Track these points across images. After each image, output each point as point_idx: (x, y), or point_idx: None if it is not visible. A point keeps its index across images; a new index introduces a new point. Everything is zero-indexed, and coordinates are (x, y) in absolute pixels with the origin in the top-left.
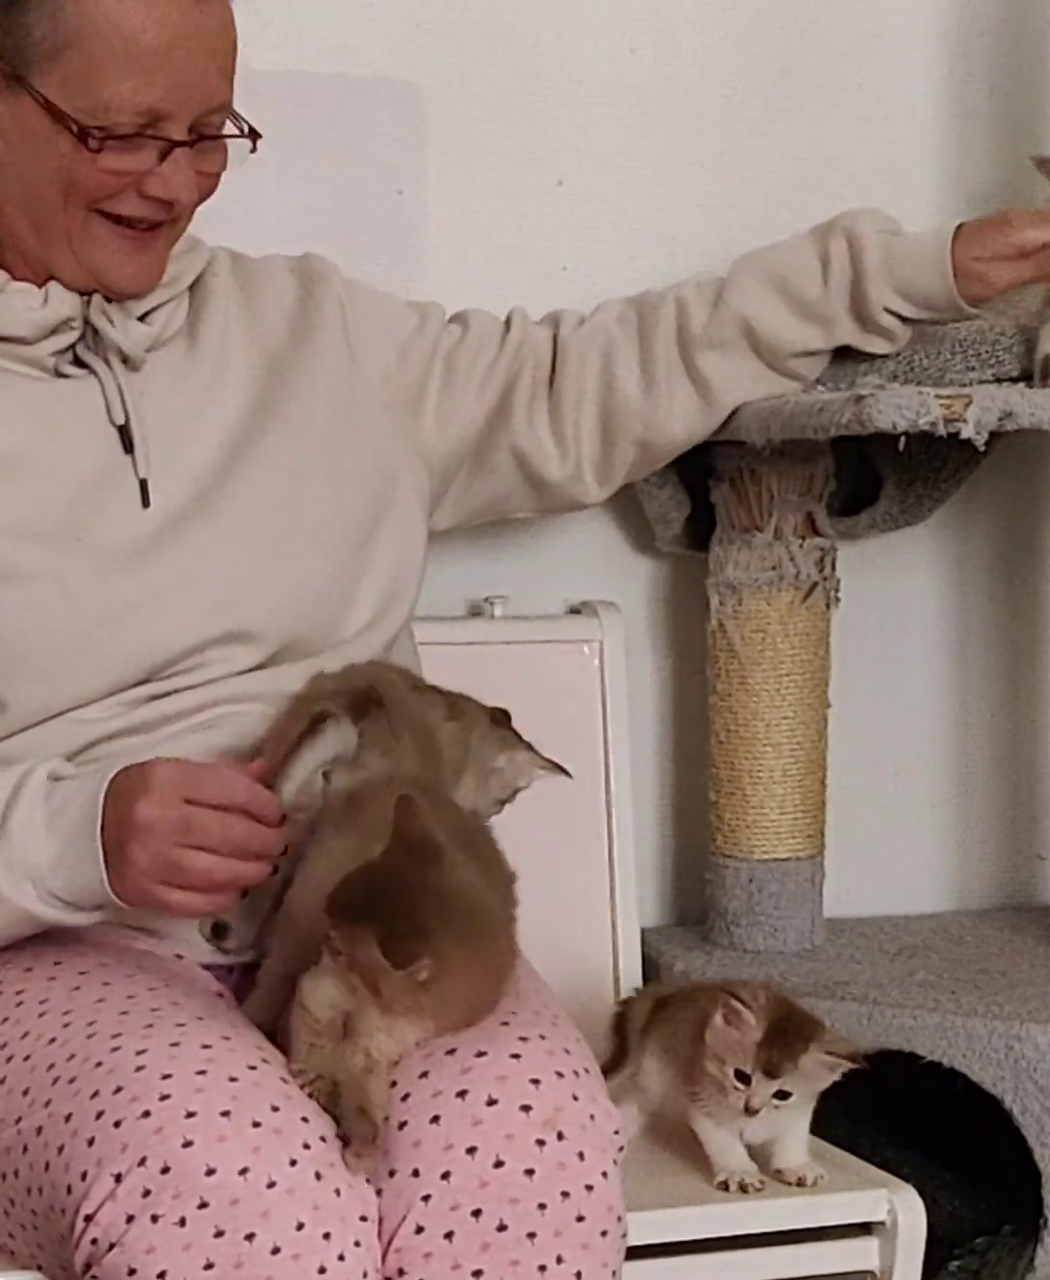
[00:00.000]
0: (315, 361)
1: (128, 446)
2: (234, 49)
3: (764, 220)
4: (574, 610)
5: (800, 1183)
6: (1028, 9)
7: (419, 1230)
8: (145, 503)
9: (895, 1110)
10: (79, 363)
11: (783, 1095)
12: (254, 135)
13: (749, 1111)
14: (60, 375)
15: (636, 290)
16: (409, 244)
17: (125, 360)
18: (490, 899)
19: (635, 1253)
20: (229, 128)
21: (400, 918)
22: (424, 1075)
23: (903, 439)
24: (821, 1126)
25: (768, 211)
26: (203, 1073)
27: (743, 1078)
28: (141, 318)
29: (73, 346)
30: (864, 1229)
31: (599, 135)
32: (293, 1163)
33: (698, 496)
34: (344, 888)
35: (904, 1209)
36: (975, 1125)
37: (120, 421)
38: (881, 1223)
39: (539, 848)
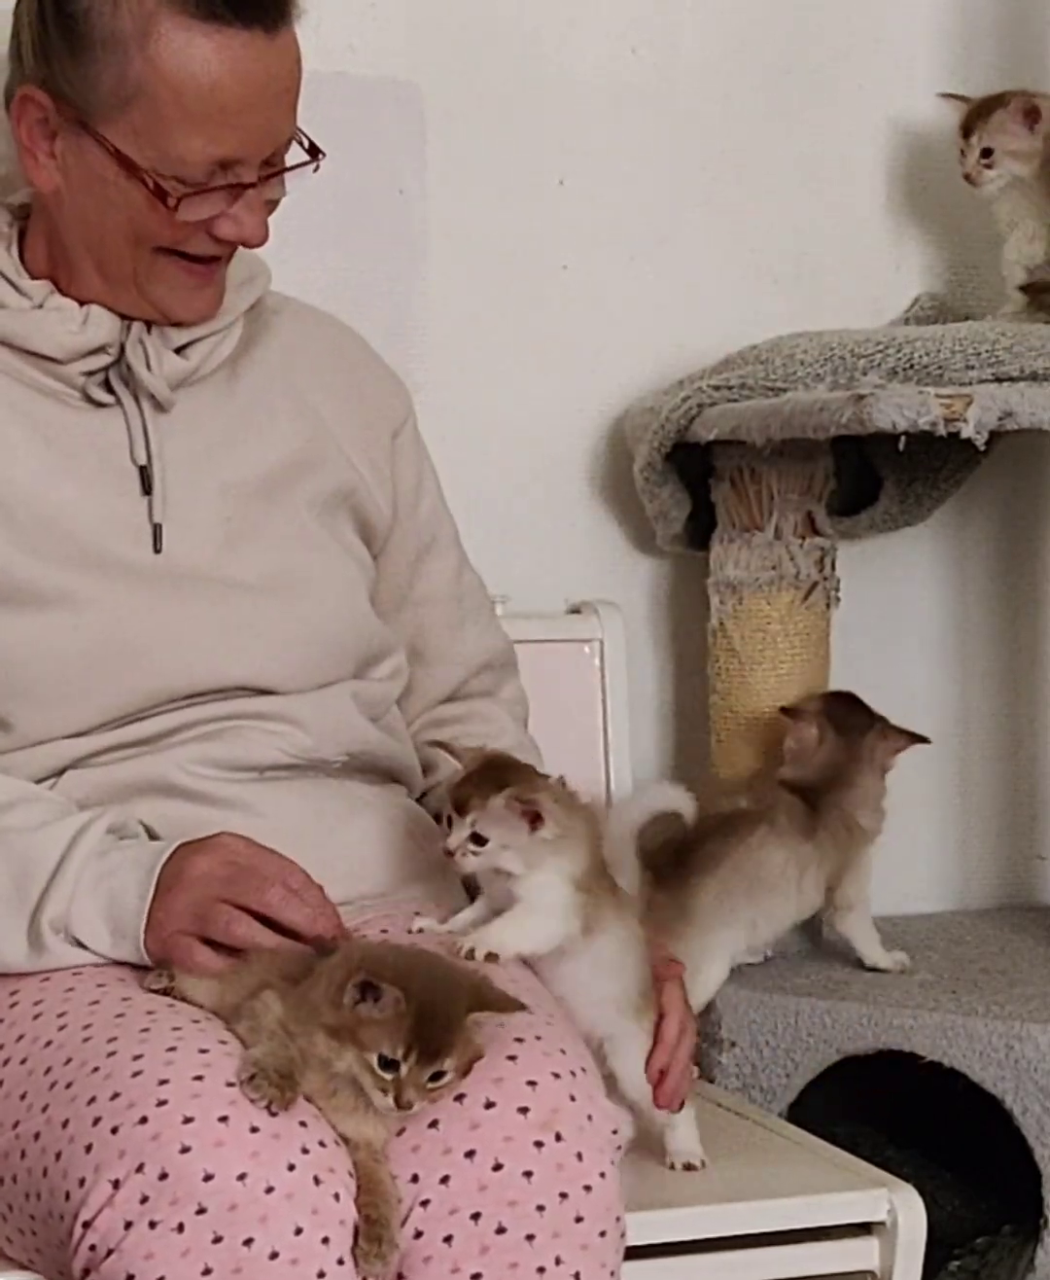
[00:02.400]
0: (364, 449)
1: (146, 488)
2: (301, 77)
3: (764, 220)
4: (574, 610)
5: (688, 1167)
6: (1028, 9)
7: (418, 1235)
8: (157, 548)
9: (895, 1110)
10: (109, 388)
11: (480, 839)
12: (315, 152)
13: (449, 854)
14: (89, 399)
15: (637, 290)
16: (410, 243)
17: (156, 402)
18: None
19: (635, 1253)
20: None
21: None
22: None
23: (903, 438)
24: (822, 1126)
25: (768, 211)
26: (199, 1078)
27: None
28: (180, 349)
29: (106, 370)
30: (864, 1229)
31: (599, 135)
32: (291, 1167)
33: (698, 496)
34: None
35: (904, 1209)
36: (975, 1125)
37: (142, 462)
38: (881, 1223)
39: None
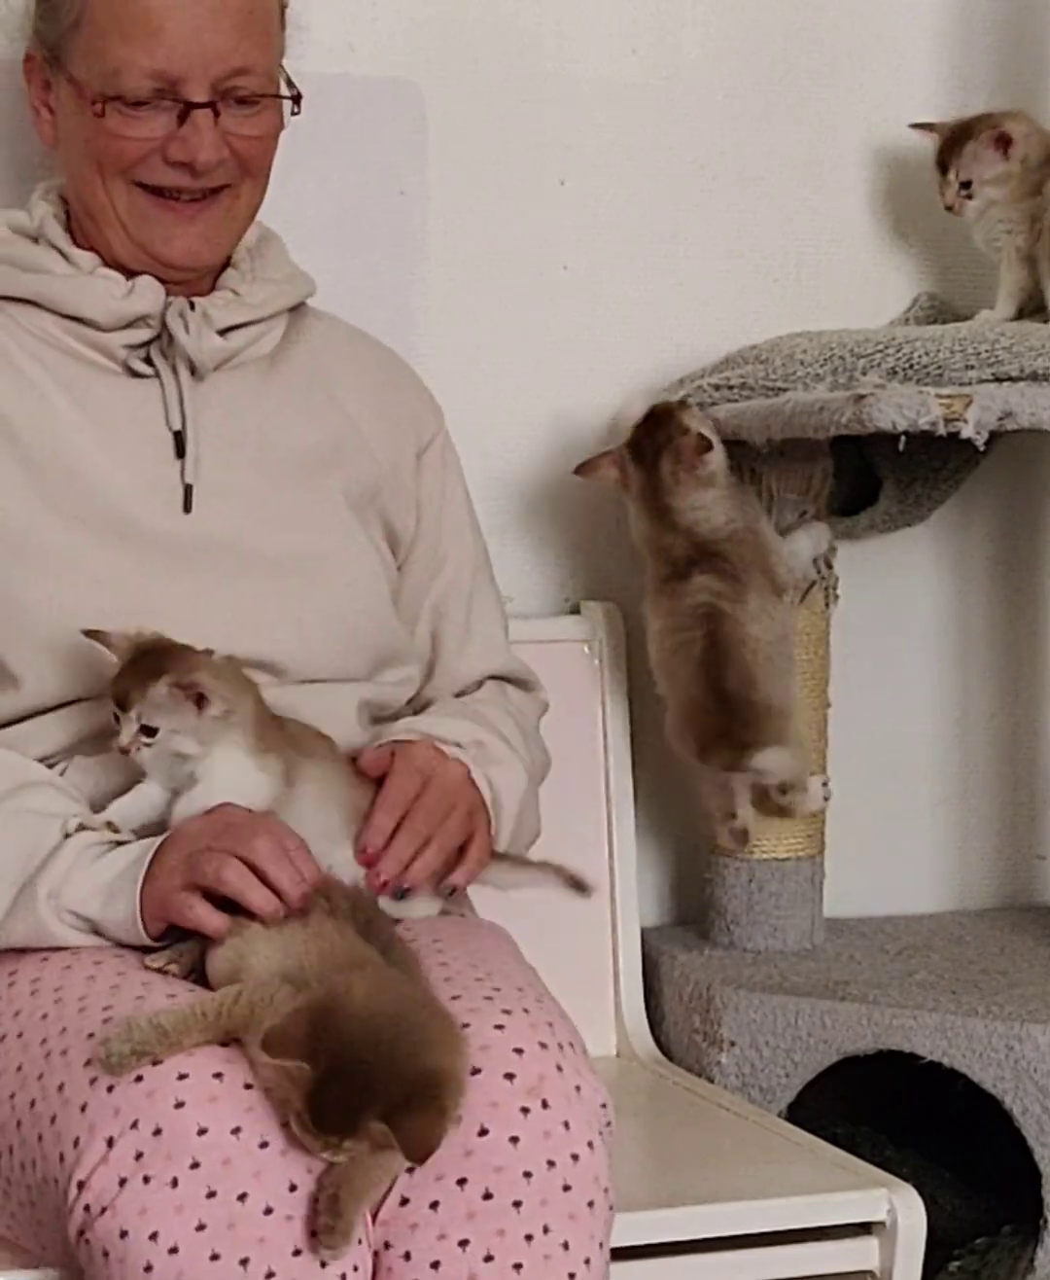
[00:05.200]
0: (391, 458)
1: (180, 451)
2: (264, 9)
3: (764, 220)
4: (574, 610)
5: None
6: (1028, 9)
7: (404, 1202)
8: (187, 508)
9: (895, 1110)
10: (149, 361)
11: (150, 731)
12: (296, 97)
13: (124, 751)
14: (130, 371)
15: (637, 290)
16: (411, 244)
17: (193, 369)
18: (415, 990)
19: (635, 1253)
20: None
21: (402, 1103)
22: None
23: (903, 439)
24: (822, 1126)
25: (768, 211)
26: None
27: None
28: (223, 332)
29: (147, 345)
30: (864, 1229)
31: (599, 135)
32: (286, 1124)
33: None
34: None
35: (904, 1209)
36: (975, 1125)
37: (177, 427)
38: (881, 1223)
39: (539, 847)
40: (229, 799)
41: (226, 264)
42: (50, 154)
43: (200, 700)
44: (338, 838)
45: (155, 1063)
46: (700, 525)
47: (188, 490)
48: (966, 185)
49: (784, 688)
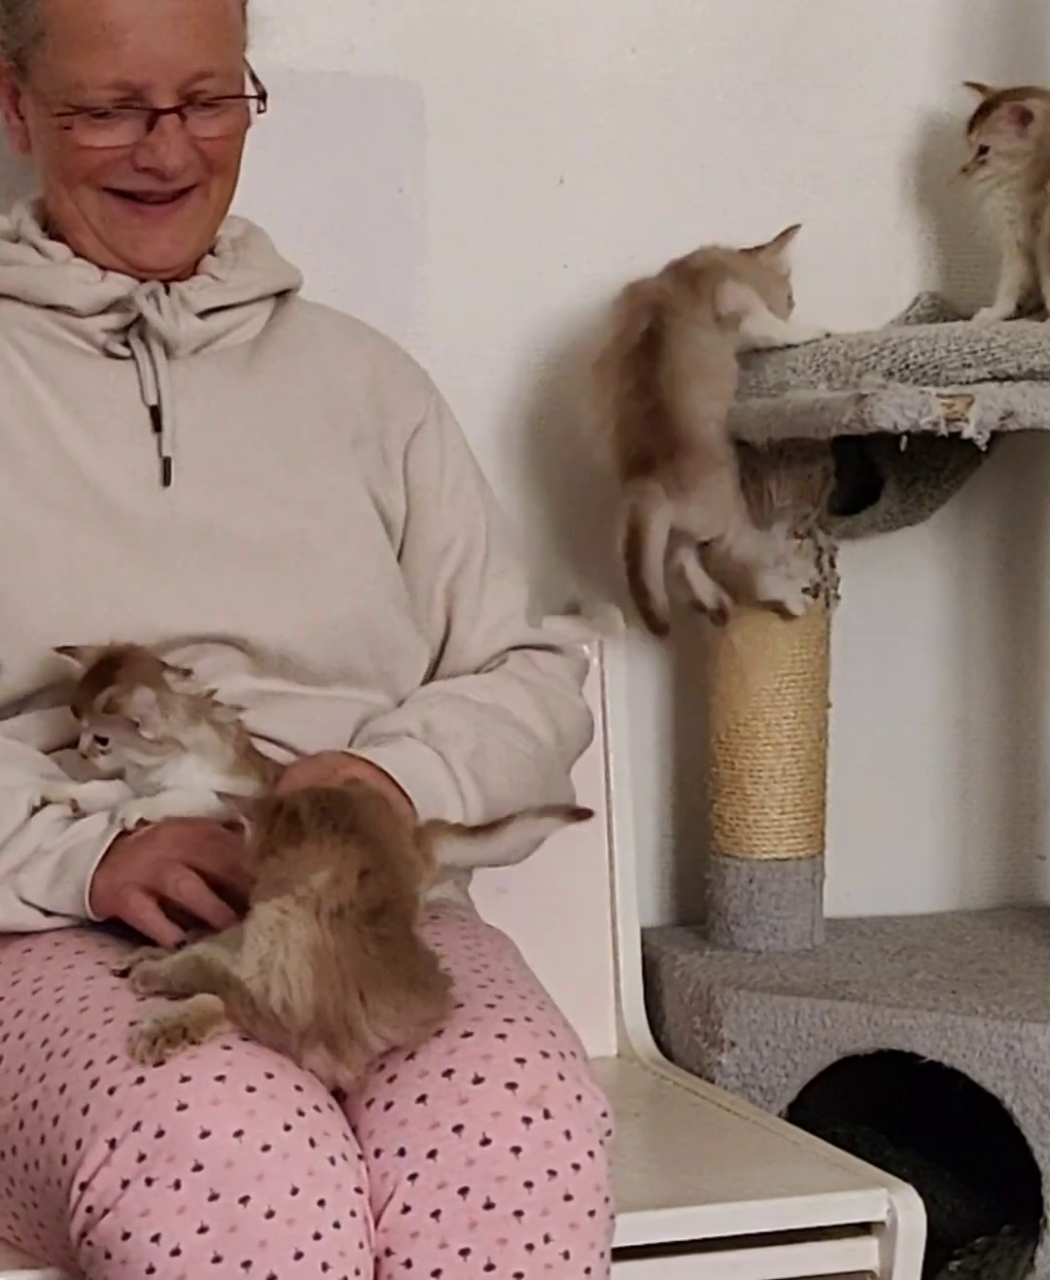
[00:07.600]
0: (379, 443)
1: (157, 426)
2: (221, 12)
3: (764, 220)
4: (574, 610)
5: None
6: (1028, 9)
7: (406, 1210)
8: (166, 480)
9: (895, 1110)
10: (127, 345)
11: (102, 740)
12: (261, 96)
13: (83, 756)
14: (108, 354)
15: None
16: (410, 242)
17: (167, 347)
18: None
19: (635, 1253)
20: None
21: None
22: (410, 1057)
23: (904, 439)
24: (822, 1126)
25: (768, 211)
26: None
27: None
28: (202, 315)
29: (126, 330)
30: (864, 1229)
31: (599, 135)
32: (287, 1127)
33: None
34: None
35: (904, 1209)
36: (975, 1125)
37: (153, 402)
38: (881, 1223)
39: (539, 847)
40: (185, 806)
41: (208, 253)
42: (24, 161)
43: (131, 724)
44: None
45: (193, 1043)
46: (706, 253)
47: (167, 463)
48: (983, 150)
49: (711, 424)
